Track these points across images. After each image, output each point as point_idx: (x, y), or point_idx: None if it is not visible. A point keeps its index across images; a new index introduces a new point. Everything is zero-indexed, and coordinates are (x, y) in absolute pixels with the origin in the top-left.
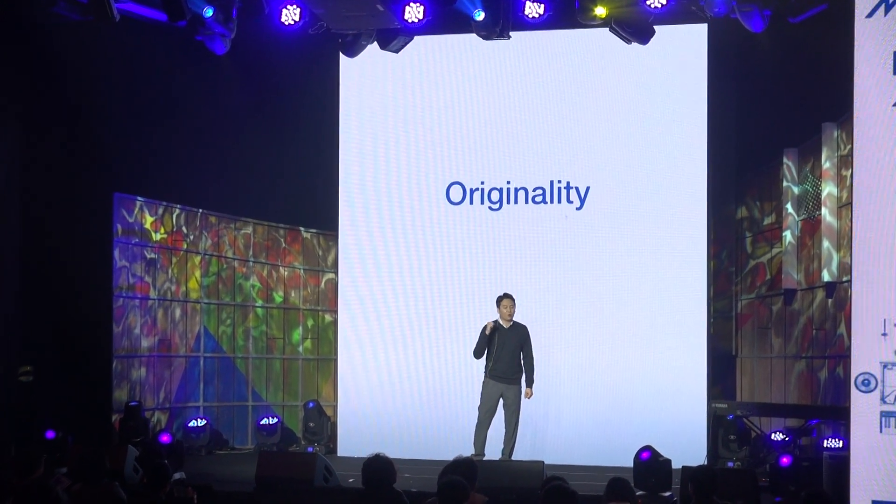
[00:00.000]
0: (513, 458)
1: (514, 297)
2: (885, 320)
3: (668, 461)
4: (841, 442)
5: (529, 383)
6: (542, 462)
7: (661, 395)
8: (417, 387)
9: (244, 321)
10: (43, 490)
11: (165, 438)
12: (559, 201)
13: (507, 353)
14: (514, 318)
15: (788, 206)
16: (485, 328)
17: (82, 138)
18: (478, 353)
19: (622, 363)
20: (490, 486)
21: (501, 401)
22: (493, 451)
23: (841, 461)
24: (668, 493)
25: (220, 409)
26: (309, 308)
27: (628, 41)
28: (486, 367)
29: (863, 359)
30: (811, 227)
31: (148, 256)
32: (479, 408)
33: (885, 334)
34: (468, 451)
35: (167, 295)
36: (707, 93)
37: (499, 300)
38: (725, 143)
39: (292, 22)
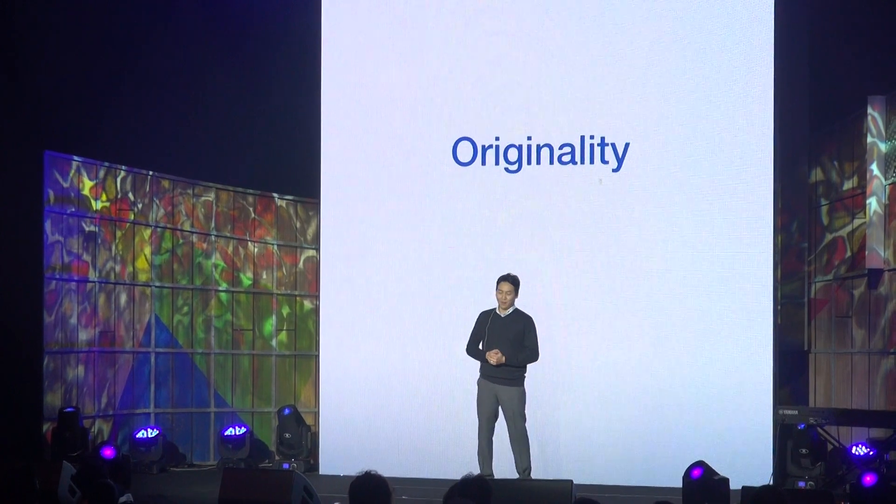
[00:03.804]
0: (533, 476)
1: (516, 279)
2: None
3: (726, 480)
4: None
5: (509, 356)
6: (571, 481)
7: (716, 400)
8: (417, 390)
9: (205, 309)
10: None
11: (109, 452)
12: (591, 161)
13: (500, 346)
14: (517, 306)
15: (874, 166)
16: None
17: (6, 85)
18: (470, 349)
19: (668, 360)
20: None
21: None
22: (511, 468)
23: None
24: None
25: (176, 417)
26: (284, 293)
27: None
28: (481, 363)
29: None
30: None
31: (87, 229)
32: (477, 414)
33: None
34: (479, 468)
35: (110, 276)
36: (774, 28)
37: (497, 283)
38: (796, 90)
39: None
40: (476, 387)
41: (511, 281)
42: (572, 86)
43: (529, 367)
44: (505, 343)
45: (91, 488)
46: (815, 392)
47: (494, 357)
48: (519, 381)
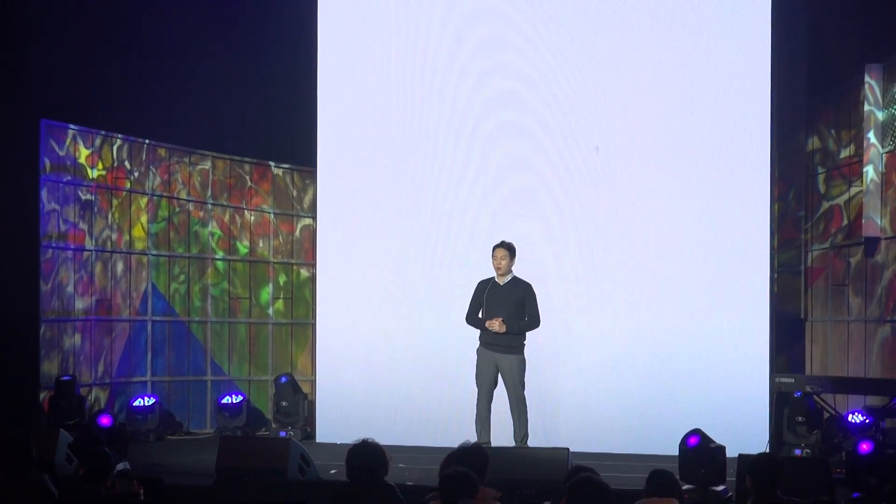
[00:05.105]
0: (530, 444)
1: (511, 246)
2: None
3: (722, 448)
4: None
5: (511, 323)
6: (567, 449)
7: (712, 368)
8: (414, 358)
9: (201, 277)
10: None
11: (105, 421)
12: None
13: (500, 314)
14: (516, 273)
15: (871, 135)
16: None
17: (2, 54)
18: (470, 318)
19: (665, 329)
20: (504, 478)
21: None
22: (508, 436)
23: None
24: (721, 488)
25: (173, 385)
26: (281, 261)
27: None
28: (480, 332)
29: None
30: None
31: (83, 198)
32: (476, 382)
33: None
34: (476, 436)
35: (107, 245)
36: None
37: (492, 250)
38: (793, 58)
39: None
40: (475, 355)
41: (505, 247)
42: (569, 48)
43: (528, 335)
44: (505, 310)
45: (88, 456)
46: (811, 360)
47: (496, 324)
48: (519, 349)
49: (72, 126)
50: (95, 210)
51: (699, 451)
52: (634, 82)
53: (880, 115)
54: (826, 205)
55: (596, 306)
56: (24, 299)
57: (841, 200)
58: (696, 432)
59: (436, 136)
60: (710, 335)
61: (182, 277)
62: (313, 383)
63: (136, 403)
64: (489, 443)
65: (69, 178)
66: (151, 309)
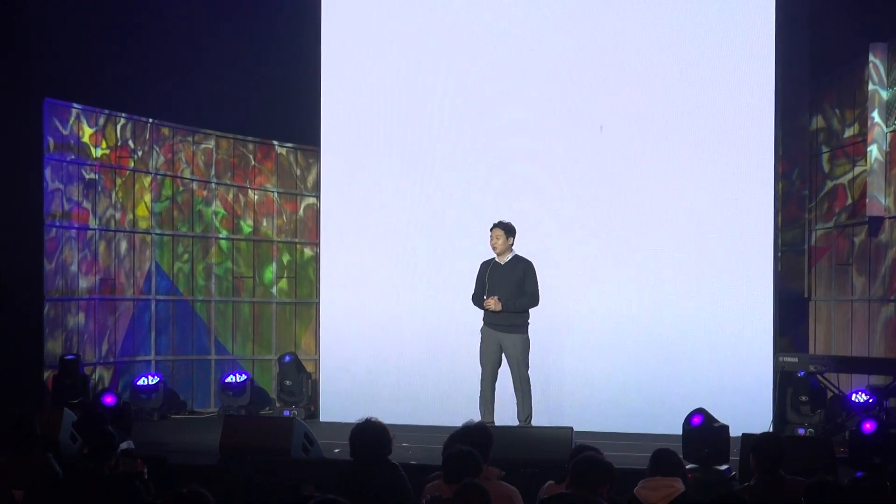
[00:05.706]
0: (534, 423)
1: (507, 225)
2: None
3: (725, 428)
4: None
5: (508, 301)
6: (571, 429)
7: (716, 347)
8: (418, 337)
9: (205, 256)
10: None
11: (109, 400)
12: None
13: (501, 293)
14: (519, 252)
15: (875, 114)
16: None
17: (6, 32)
18: (475, 300)
19: (669, 308)
20: (507, 457)
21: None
22: (511, 415)
23: None
24: (724, 467)
25: (177, 364)
26: (284, 240)
27: None
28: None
29: None
30: None
31: (87, 177)
32: (480, 362)
33: None
34: (480, 415)
35: (110, 224)
36: None
37: (490, 230)
38: (798, 37)
39: None
40: (480, 335)
41: (501, 227)
42: (573, 29)
43: (532, 314)
44: (506, 289)
45: (92, 435)
46: (815, 340)
47: (492, 302)
48: (522, 328)
49: (75, 105)
50: (99, 189)
51: (703, 430)
52: (639, 62)
53: (885, 95)
54: (830, 184)
55: (600, 286)
56: (28, 278)
57: (845, 180)
58: (700, 412)
59: (439, 114)
60: (713, 314)
61: (186, 256)
62: (317, 362)
63: (139, 382)
64: (493, 422)
65: (73, 157)
66: (155, 288)
